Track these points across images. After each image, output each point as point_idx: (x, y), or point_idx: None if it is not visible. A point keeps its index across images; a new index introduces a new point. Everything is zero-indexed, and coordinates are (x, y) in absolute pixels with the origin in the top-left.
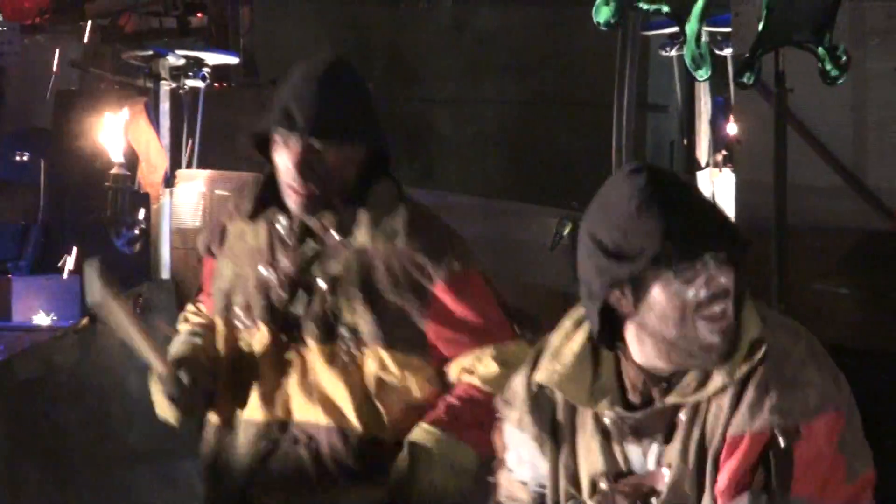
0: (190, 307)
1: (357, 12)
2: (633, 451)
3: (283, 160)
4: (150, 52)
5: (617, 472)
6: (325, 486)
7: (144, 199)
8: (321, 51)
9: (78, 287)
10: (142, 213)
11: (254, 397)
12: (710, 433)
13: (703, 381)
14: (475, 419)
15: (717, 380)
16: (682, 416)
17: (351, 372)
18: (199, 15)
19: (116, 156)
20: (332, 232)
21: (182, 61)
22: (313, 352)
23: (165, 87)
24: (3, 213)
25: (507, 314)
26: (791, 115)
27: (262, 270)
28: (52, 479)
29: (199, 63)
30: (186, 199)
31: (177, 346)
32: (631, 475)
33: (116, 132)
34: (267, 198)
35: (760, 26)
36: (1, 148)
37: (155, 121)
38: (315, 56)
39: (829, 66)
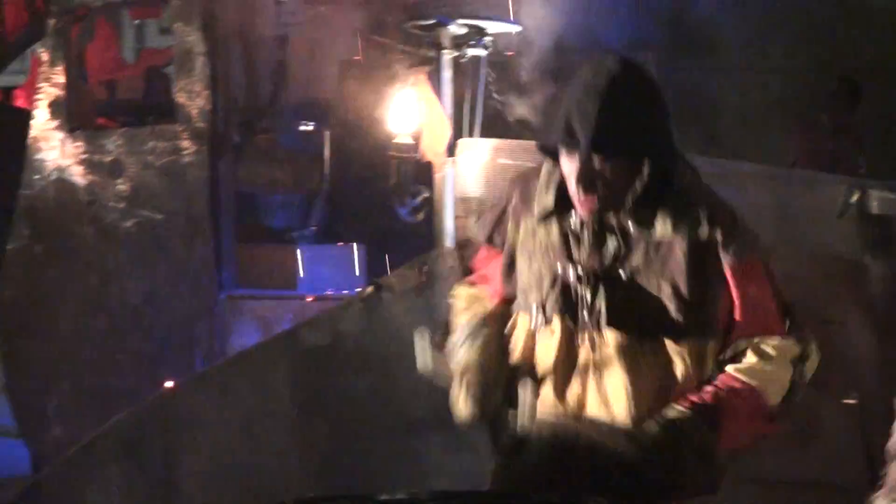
0: (465, 289)
1: None
2: None
3: (567, 168)
4: (433, 22)
5: None
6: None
7: (428, 169)
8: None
9: (361, 256)
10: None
11: (547, 394)
12: None
13: None
14: (733, 409)
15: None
16: None
17: (647, 368)
18: None
19: (401, 125)
20: (630, 225)
21: (464, 30)
22: (611, 347)
23: (448, 55)
24: (288, 183)
25: (782, 307)
26: None
27: (559, 267)
28: (338, 444)
29: (481, 32)
30: (469, 167)
31: (471, 351)
32: None
33: (407, 102)
34: (564, 193)
35: None
36: (286, 118)
37: (437, 89)
38: (600, 59)
39: None
